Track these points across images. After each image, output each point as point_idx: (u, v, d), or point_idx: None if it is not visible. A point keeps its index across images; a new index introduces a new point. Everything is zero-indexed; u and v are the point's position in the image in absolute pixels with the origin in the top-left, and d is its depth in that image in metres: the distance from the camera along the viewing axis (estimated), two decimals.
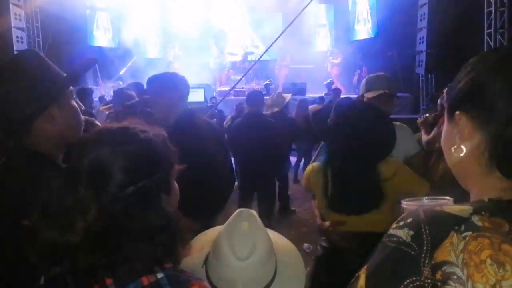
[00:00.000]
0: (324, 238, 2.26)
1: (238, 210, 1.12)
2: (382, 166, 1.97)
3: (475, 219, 0.67)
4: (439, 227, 0.68)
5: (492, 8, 8.59)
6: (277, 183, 5.45)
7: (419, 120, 3.83)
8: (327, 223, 2.11)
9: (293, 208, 6.30)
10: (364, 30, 14.32)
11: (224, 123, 7.72)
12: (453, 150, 0.77)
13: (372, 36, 13.65)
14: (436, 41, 9.23)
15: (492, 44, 8.66)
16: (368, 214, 1.97)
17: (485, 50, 8.78)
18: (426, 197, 1.08)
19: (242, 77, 7.84)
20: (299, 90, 11.42)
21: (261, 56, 7.83)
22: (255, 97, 4.80)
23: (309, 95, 10.77)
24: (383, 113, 2.15)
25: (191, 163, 1.06)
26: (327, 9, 15.46)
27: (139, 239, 0.83)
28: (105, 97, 8.71)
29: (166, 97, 2.43)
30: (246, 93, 6.34)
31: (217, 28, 14.60)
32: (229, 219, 1.11)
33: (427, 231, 0.68)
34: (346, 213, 2.03)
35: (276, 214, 5.65)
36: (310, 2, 7.12)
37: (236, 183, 7.67)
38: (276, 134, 4.64)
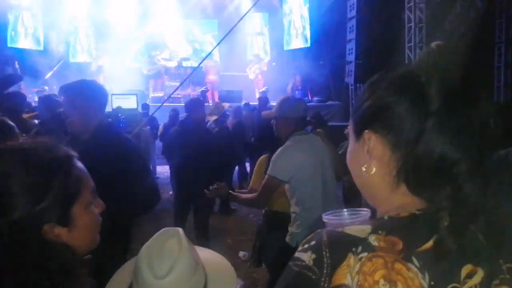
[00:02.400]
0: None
1: (162, 230, 1.09)
2: None
3: (372, 239, 0.68)
4: (338, 249, 0.68)
5: (412, 24, 9.28)
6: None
7: (346, 131, 4.01)
8: None
9: (233, 208, 6.34)
10: (298, 39, 14.77)
11: (158, 131, 7.57)
12: (364, 169, 0.77)
13: (306, 46, 14.12)
14: (364, 52, 9.76)
15: (412, 57, 9.34)
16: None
17: (406, 63, 9.46)
18: (346, 210, 1.08)
19: (180, 84, 7.73)
20: (236, 97, 11.50)
21: (200, 63, 7.81)
22: (195, 105, 4.67)
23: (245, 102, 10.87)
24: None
25: (106, 182, 1.00)
26: (262, 18, 15.75)
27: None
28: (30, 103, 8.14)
29: (81, 108, 2.19)
30: (185, 100, 6.30)
31: (150, 33, 14.24)
32: (151, 238, 1.08)
33: (328, 254, 0.68)
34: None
35: (214, 220, 5.62)
36: (248, 11, 7.21)
37: (171, 193, 7.55)
38: (214, 142, 4.59)
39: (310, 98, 12.55)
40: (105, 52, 13.37)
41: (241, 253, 4.40)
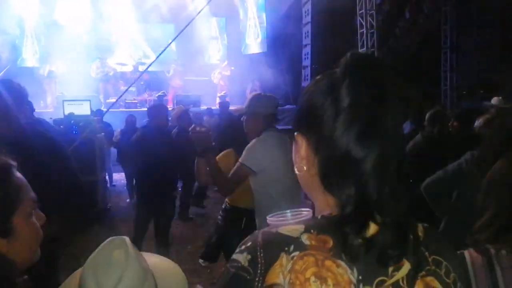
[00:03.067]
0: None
1: (108, 239, 1.06)
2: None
3: (304, 238, 0.70)
4: (272, 250, 0.70)
5: (364, 30, 9.61)
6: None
7: None
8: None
9: (191, 216, 6.30)
10: (255, 44, 14.87)
11: (114, 137, 7.36)
12: (296, 169, 0.81)
13: (263, 51, 14.24)
14: (319, 57, 9.99)
15: None
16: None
17: None
18: (290, 211, 1.08)
19: (128, 88, 7.56)
20: (194, 102, 11.40)
21: (148, 66, 7.66)
22: (158, 110, 4.51)
23: (204, 107, 10.81)
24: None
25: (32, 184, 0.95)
26: (219, 22, 15.73)
27: None
28: None
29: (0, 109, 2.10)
30: (141, 105, 6.14)
31: (104, 36, 13.77)
32: (97, 249, 1.05)
33: (262, 255, 0.70)
34: None
35: (174, 227, 5.53)
36: (199, 13, 7.18)
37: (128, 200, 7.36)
38: (178, 149, 4.48)
39: None
40: (56, 56, 12.79)
41: (201, 260, 4.36)
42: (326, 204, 0.75)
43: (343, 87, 0.71)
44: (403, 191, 0.73)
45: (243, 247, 0.73)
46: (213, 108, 9.91)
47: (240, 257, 0.72)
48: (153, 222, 4.43)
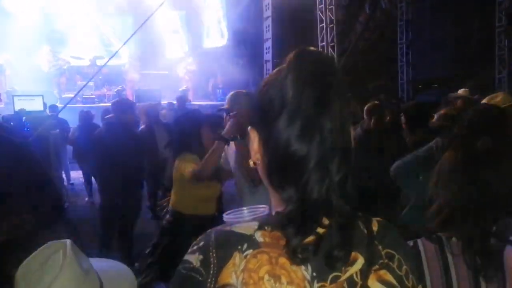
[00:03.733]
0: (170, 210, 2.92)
1: (46, 244, 1.03)
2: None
3: (258, 235, 0.69)
4: (225, 249, 0.69)
5: (324, 24, 9.73)
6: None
7: None
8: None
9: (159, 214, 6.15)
10: (216, 38, 14.75)
11: (70, 133, 7.09)
12: (251, 162, 0.79)
13: (224, 45, 14.14)
14: (280, 51, 10.03)
15: None
16: None
17: None
18: (246, 208, 1.07)
19: (87, 82, 7.29)
20: (154, 96, 11.15)
21: (108, 60, 7.40)
22: (124, 106, 4.31)
23: (165, 102, 10.61)
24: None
25: None
26: (180, 16, 15.48)
27: None
28: None
29: None
30: (99, 100, 5.91)
31: (55, 28, 13.08)
32: (33, 254, 1.01)
33: (214, 254, 0.68)
34: None
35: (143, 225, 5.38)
36: (160, 6, 7.02)
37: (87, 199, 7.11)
38: (144, 146, 4.36)
39: None
40: (5, 48, 12.05)
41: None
42: (279, 199, 0.74)
43: (287, 83, 0.70)
44: (349, 189, 0.72)
45: (195, 247, 0.71)
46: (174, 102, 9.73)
47: (192, 257, 0.70)
48: (118, 221, 4.27)
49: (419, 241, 1.21)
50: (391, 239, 0.76)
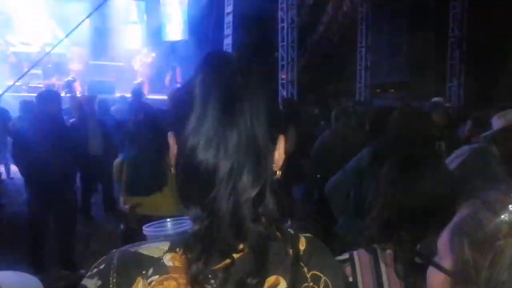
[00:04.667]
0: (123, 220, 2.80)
1: None
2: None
3: (167, 258, 0.63)
4: (128, 273, 0.62)
5: (285, 24, 9.70)
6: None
7: None
8: (127, 206, 2.65)
9: (93, 216, 5.87)
10: (176, 31, 14.40)
11: (10, 124, 6.63)
12: (172, 170, 0.71)
13: (184, 39, 13.84)
14: (240, 48, 9.91)
15: (285, 57, 9.78)
16: (155, 196, 2.53)
17: (279, 62, 9.89)
18: (170, 220, 1.00)
19: (29, 70, 6.81)
20: (107, 88, 10.73)
21: (55, 46, 6.98)
22: (47, 97, 4.08)
23: (119, 95, 10.22)
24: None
25: None
26: (138, 6, 15.00)
27: None
28: None
29: None
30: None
31: (2, 11, 12.21)
32: None
33: (115, 280, 0.61)
34: (139, 195, 2.57)
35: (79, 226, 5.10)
36: None
37: None
38: (74, 141, 4.12)
39: None
40: None
41: None
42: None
43: (195, 86, 0.65)
44: (270, 206, 0.65)
45: (94, 270, 0.64)
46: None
47: (90, 283, 0.63)
48: (52, 221, 4.01)
49: (354, 252, 1.21)
50: (319, 259, 0.71)
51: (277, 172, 0.71)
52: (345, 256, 1.21)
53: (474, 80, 11.30)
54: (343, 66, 14.66)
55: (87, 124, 5.32)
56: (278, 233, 0.68)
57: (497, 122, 2.59)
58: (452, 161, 2.52)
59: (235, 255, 0.63)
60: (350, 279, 1.16)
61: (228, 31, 10.01)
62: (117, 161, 2.85)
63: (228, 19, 9.98)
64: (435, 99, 6.81)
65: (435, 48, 12.58)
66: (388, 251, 1.17)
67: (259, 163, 0.64)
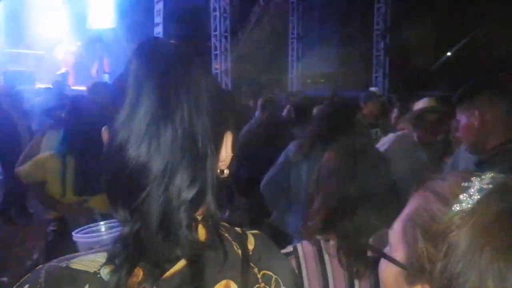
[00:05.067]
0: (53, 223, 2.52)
1: None
2: None
3: (105, 272, 0.56)
4: None
5: (217, 13, 9.57)
6: None
7: None
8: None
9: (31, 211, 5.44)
10: (103, 18, 13.65)
11: None
12: None
13: (112, 27, 13.17)
14: (172, 37, 9.62)
15: (218, 46, 9.66)
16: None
17: (212, 52, 9.76)
18: (104, 223, 0.89)
19: None
20: (27, 79, 9.90)
21: None
22: None
23: (40, 86, 9.48)
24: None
25: None
26: None
27: None
28: None
29: None
30: None
31: None
32: None
33: None
34: (88, 194, 2.38)
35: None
36: None
37: None
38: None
39: None
40: None
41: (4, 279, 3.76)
42: None
43: (129, 76, 0.59)
44: (212, 210, 0.60)
45: None
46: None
47: None
48: None
49: (298, 245, 1.21)
50: (268, 257, 0.69)
51: (225, 171, 0.66)
52: (289, 249, 1.20)
53: (397, 70, 12.03)
54: (276, 56, 14.85)
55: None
56: (225, 235, 0.65)
57: (413, 110, 2.78)
58: (378, 148, 2.65)
59: (175, 267, 0.58)
60: (296, 272, 1.14)
61: (158, 19, 9.65)
62: (46, 156, 2.47)
63: (158, 6, 9.63)
64: (371, 89, 7.16)
65: (362, 40, 13.17)
66: (331, 242, 1.18)
67: (197, 162, 0.58)
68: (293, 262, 1.17)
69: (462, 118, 1.63)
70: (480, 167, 1.56)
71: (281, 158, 2.57)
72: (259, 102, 3.92)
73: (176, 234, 0.56)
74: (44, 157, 2.48)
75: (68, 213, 2.43)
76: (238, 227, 0.70)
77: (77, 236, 0.87)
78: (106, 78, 12.35)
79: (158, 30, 9.46)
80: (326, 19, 14.29)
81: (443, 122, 2.63)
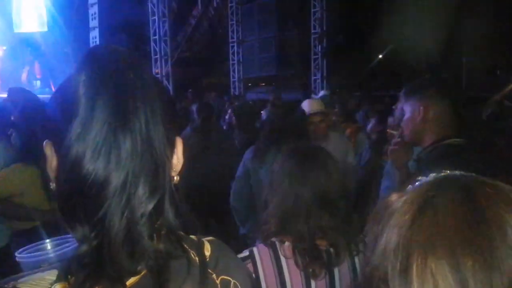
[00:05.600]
0: None
1: None
2: None
3: None
4: None
5: (156, 17, 9.40)
6: None
7: None
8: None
9: None
10: (33, 22, 12.83)
11: None
12: (52, 185, 0.62)
13: (43, 30, 12.43)
14: (109, 42, 9.30)
15: (158, 50, 9.48)
16: None
17: (152, 57, 9.58)
18: (50, 240, 0.86)
19: None
20: None
21: None
22: None
23: None
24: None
25: None
26: None
27: None
28: None
29: None
30: None
31: None
32: None
33: None
34: None
35: None
36: None
37: None
38: None
39: (53, 88, 11.19)
40: None
41: None
42: None
43: (80, 85, 0.56)
44: (171, 220, 0.60)
45: None
46: None
47: None
48: None
49: (254, 249, 1.22)
50: (225, 262, 0.69)
51: (175, 178, 0.65)
52: (245, 253, 1.21)
53: (334, 73, 12.51)
54: (216, 60, 14.84)
55: None
56: (182, 243, 0.64)
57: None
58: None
59: (132, 279, 0.57)
60: (253, 276, 1.17)
61: (94, 23, 9.27)
62: (14, 169, 2.36)
63: (93, 10, 9.25)
64: (322, 92, 7.42)
65: (300, 44, 13.53)
66: (287, 243, 1.20)
67: (157, 172, 0.58)
68: (250, 266, 1.18)
69: (407, 111, 1.68)
70: (419, 163, 1.65)
71: (240, 169, 2.56)
72: (194, 107, 3.82)
73: (141, 246, 0.56)
74: (12, 170, 2.34)
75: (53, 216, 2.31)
76: (192, 234, 0.70)
77: (20, 256, 0.83)
78: (37, 84, 11.71)
79: (94, 35, 9.09)
80: (265, 23, 14.52)
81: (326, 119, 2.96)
